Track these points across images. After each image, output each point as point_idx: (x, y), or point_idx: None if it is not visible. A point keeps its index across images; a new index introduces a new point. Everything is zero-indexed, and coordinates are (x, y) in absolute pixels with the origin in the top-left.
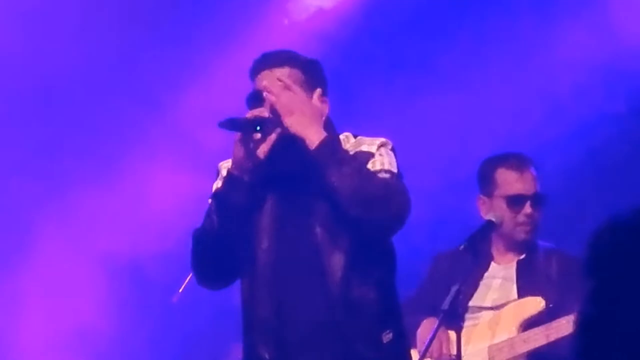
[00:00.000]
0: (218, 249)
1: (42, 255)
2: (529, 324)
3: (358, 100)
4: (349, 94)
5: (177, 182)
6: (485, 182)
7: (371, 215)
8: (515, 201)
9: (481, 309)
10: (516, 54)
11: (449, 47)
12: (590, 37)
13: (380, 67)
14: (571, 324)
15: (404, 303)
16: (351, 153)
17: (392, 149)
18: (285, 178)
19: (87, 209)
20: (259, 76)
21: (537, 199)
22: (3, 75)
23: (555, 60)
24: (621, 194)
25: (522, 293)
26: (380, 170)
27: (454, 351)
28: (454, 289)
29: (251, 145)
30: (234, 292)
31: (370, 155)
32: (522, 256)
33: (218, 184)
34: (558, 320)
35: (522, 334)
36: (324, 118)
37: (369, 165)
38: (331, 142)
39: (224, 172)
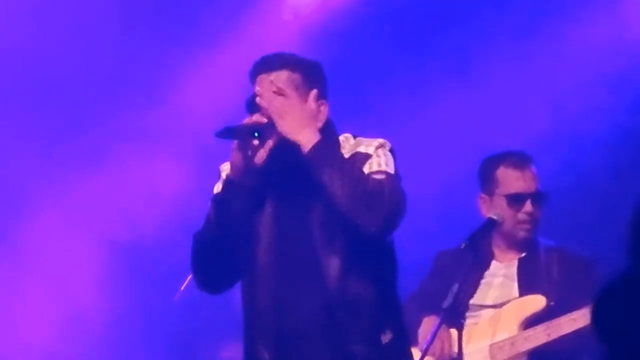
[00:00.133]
0: (217, 252)
1: (41, 237)
2: (530, 322)
3: (361, 98)
4: (352, 91)
5: (177, 170)
6: (486, 181)
7: (364, 216)
8: (515, 199)
9: (482, 307)
10: (520, 53)
11: (454, 46)
12: (598, 37)
13: (383, 64)
14: (572, 322)
15: (406, 301)
16: (349, 154)
17: (391, 150)
18: (283, 182)
19: (87, 193)
20: (256, 80)
21: (537, 197)
22: (11, 62)
23: (561, 58)
24: (624, 193)
25: (523, 291)
26: (376, 172)
27: (455, 349)
28: (455, 287)
29: (249, 151)
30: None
31: (367, 156)
32: (523, 254)
33: (219, 186)
34: (559, 318)
35: (523, 332)
36: (322, 120)
37: (366, 166)
38: (323, 145)
39: (224, 175)
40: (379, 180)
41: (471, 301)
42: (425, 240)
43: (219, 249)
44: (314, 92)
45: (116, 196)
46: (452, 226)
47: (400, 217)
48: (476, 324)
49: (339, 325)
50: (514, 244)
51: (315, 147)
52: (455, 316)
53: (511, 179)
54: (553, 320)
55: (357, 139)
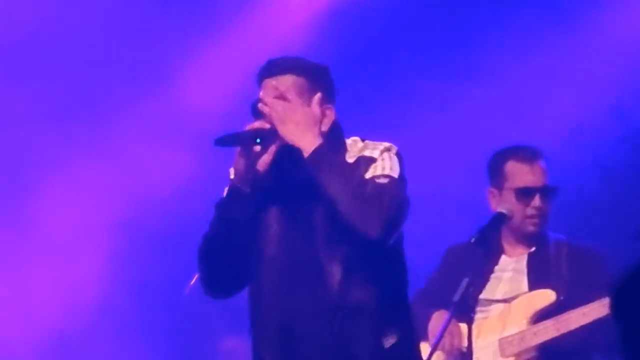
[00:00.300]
0: (221, 258)
1: (46, 219)
2: (540, 316)
3: (373, 92)
4: (363, 86)
5: (177, 157)
6: (495, 175)
7: (363, 221)
8: (524, 193)
9: (492, 301)
10: (543, 47)
11: (472, 40)
12: (626, 32)
13: (395, 58)
14: (581, 316)
15: (415, 296)
16: (354, 158)
17: (397, 154)
18: (287, 188)
19: (92, 176)
20: (261, 84)
21: (546, 192)
22: (22, 43)
23: (586, 53)
24: (633, 189)
25: (532, 286)
26: (379, 175)
27: (464, 344)
28: (464, 281)
29: (252, 157)
30: None
31: (372, 160)
32: (533, 249)
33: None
34: (568, 312)
35: (533, 326)
36: (327, 124)
37: (370, 170)
38: (324, 150)
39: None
40: (381, 185)
41: (481, 296)
42: (434, 235)
43: (222, 255)
44: (318, 96)
45: (124, 179)
46: (462, 221)
47: (401, 222)
48: (486, 318)
49: (339, 330)
50: (523, 239)
51: (315, 152)
52: (464, 311)
53: (520, 173)
54: (562, 315)
55: (365, 142)
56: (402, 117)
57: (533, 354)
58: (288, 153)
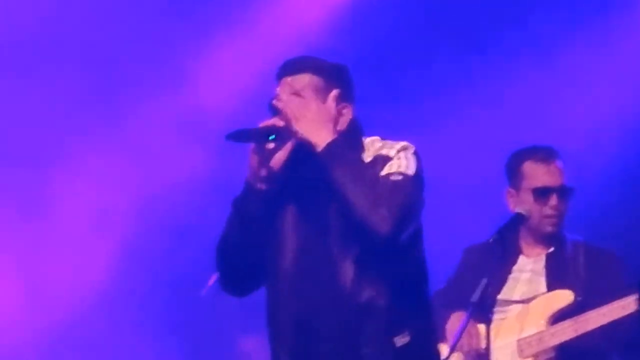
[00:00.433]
0: (238, 256)
1: (62, 210)
2: (558, 317)
3: (382, 97)
4: (383, 83)
5: (192, 152)
6: (513, 175)
7: (374, 216)
8: (541, 193)
9: (510, 302)
10: (562, 47)
11: (496, 41)
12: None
13: (414, 57)
14: (600, 316)
15: (433, 296)
16: (372, 157)
17: (415, 153)
18: (302, 186)
19: (108, 169)
20: (279, 83)
21: (563, 192)
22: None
23: (604, 54)
24: None
25: (550, 286)
26: (393, 173)
27: (483, 345)
28: (483, 282)
29: (265, 155)
30: None
31: (388, 158)
32: (551, 249)
33: None
34: (587, 313)
35: (551, 327)
36: (344, 123)
37: (385, 168)
38: (337, 145)
39: None
40: (394, 181)
41: (499, 296)
42: (452, 236)
43: (239, 252)
44: (334, 93)
45: (140, 173)
46: (480, 221)
47: (412, 220)
48: (504, 319)
49: (350, 328)
50: (541, 239)
51: (328, 147)
52: (483, 311)
53: (537, 173)
54: (581, 315)
55: (383, 141)
56: (419, 117)
57: (551, 354)
58: (303, 150)
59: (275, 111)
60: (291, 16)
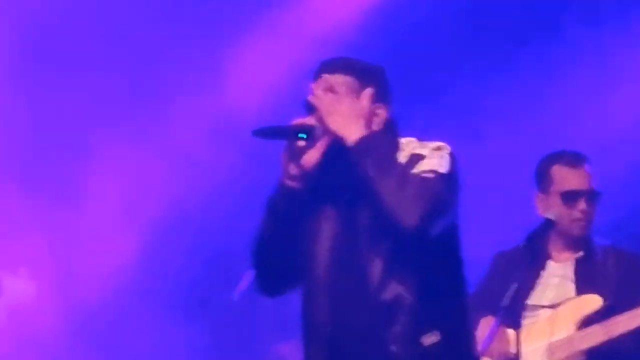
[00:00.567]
0: (272, 254)
1: (94, 203)
2: (587, 321)
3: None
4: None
5: (224, 151)
6: (542, 179)
7: (401, 211)
8: (570, 197)
9: (539, 307)
10: (587, 49)
11: (523, 48)
12: None
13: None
14: (629, 320)
15: None
16: (407, 157)
17: (450, 154)
18: (335, 185)
19: (140, 165)
20: (315, 81)
21: (591, 195)
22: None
23: (629, 58)
24: None
25: (580, 291)
26: (425, 170)
27: (513, 350)
28: (513, 287)
29: (296, 153)
30: None
31: (422, 157)
32: (580, 254)
33: None
34: (616, 317)
35: (581, 331)
36: (379, 123)
37: (417, 166)
38: (369, 140)
39: None
40: (424, 178)
41: (528, 301)
42: (482, 242)
43: (274, 251)
44: (368, 92)
45: (171, 170)
46: (510, 227)
47: (441, 216)
48: (534, 323)
49: (378, 325)
50: (570, 243)
51: (359, 142)
52: (513, 316)
53: (566, 177)
54: (610, 319)
55: (420, 142)
56: (449, 121)
57: (581, 358)
58: (336, 149)
59: (310, 109)
60: (321, 16)
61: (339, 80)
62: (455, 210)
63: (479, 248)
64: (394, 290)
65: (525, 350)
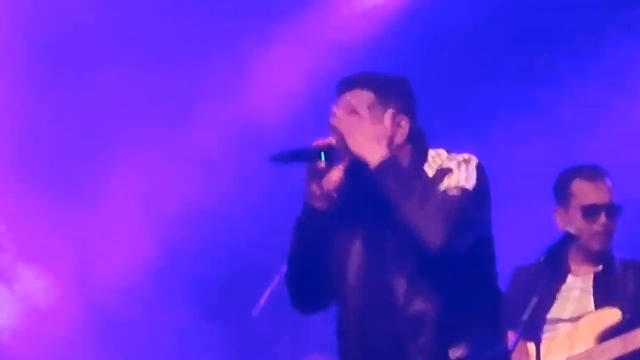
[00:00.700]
0: (303, 274)
1: (113, 204)
2: (607, 335)
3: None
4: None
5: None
6: (562, 194)
7: (427, 231)
8: (590, 211)
9: (559, 321)
10: (605, 62)
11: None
12: None
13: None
14: None
15: None
16: (435, 171)
17: (478, 167)
18: (360, 205)
19: (160, 169)
20: (338, 100)
21: (612, 210)
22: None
23: None
24: None
25: (599, 305)
26: (451, 187)
27: None
28: (534, 301)
29: (318, 175)
30: None
31: (449, 171)
32: (599, 268)
33: None
34: (636, 330)
35: (600, 345)
36: (402, 135)
37: (445, 181)
38: (390, 163)
39: None
40: (451, 196)
41: (549, 315)
42: (502, 256)
43: (304, 271)
44: (390, 111)
45: (190, 174)
46: (530, 242)
47: (467, 234)
48: (553, 337)
49: (404, 340)
50: (590, 257)
51: (382, 164)
52: (533, 330)
53: (586, 191)
54: (630, 333)
55: (449, 155)
56: (470, 134)
57: None
58: (359, 169)
59: (332, 130)
60: (342, 24)
61: (361, 96)
62: (484, 224)
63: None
64: (419, 304)
65: None
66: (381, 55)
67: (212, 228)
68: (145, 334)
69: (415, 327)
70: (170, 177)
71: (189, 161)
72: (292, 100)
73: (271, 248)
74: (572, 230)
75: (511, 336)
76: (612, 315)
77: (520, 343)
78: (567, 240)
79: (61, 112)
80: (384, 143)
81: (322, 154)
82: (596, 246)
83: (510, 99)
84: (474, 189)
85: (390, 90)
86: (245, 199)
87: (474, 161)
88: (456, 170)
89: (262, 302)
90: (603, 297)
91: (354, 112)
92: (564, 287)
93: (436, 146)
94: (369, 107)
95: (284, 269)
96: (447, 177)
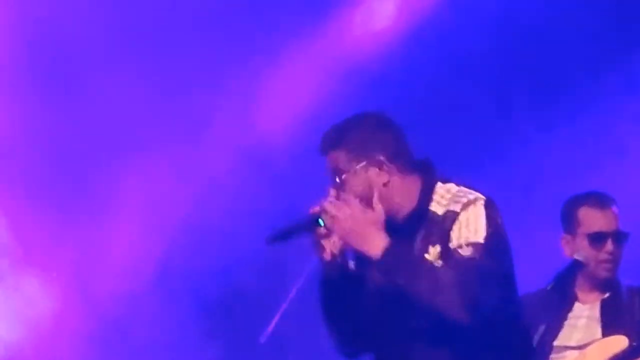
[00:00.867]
0: (336, 323)
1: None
2: None
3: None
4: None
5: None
6: (569, 221)
7: (446, 311)
8: (597, 238)
9: (566, 348)
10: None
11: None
12: None
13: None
14: None
15: None
16: (444, 209)
17: (486, 205)
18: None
19: (170, 175)
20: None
21: (619, 237)
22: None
23: None
24: None
25: (606, 332)
26: (461, 245)
27: None
28: (541, 328)
29: (322, 242)
30: None
31: (456, 214)
32: (606, 295)
33: None
34: None
35: None
36: (393, 187)
37: (454, 235)
38: (392, 252)
39: None
40: (463, 261)
41: (555, 342)
42: None
43: (336, 322)
44: (363, 164)
45: (199, 183)
46: (537, 269)
47: (489, 297)
48: None
49: None
50: (597, 285)
51: (382, 256)
52: (540, 358)
53: (593, 218)
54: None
55: (458, 189)
56: (475, 159)
57: None
58: None
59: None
60: (352, 45)
61: (341, 157)
62: (505, 274)
63: None
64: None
65: None
66: (391, 76)
67: (215, 246)
68: (148, 344)
69: None
70: (175, 191)
71: (195, 177)
72: (300, 121)
73: (275, 268)
74: (579, 257)
75: None
76: (619, 343)
77: None
78: (574, 267)
79: (66, 118)
80: (382, 234)
81: (320, 220)
82: (603, 273)
83: (521, 122)
84: (486, 238)
85: (372, 143)
86: (250, 217)
87: (480, 202)
88: (463, 217)
89: (270, 329)
90: (610, 324)
91: (342, 204)
92: (571, 315)
93: (446, 169)
94: (356, 174)
95: (290, 293)
96: (455, 227)
